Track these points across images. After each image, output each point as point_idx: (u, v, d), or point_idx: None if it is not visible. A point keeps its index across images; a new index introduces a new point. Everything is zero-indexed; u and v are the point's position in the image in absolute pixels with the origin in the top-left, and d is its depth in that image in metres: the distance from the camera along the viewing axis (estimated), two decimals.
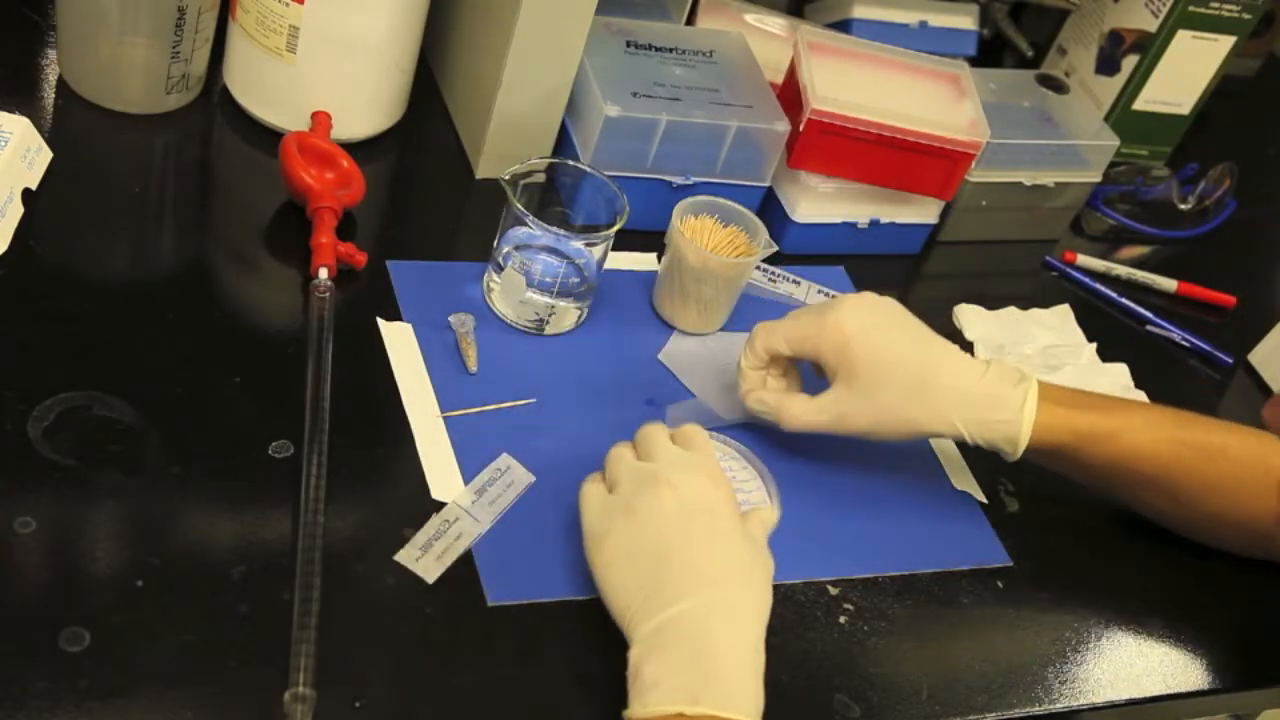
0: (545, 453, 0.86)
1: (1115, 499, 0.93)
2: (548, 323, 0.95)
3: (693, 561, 0.73)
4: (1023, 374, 0.87)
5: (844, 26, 1.23)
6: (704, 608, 0.72)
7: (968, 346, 1.09)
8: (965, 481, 0.96)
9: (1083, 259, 1.22)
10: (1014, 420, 0.85)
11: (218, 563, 0.74)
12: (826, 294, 1.06)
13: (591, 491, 0.79)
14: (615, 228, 0.92)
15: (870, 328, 0.85)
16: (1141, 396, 1.09)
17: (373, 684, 0.72)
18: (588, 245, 0.94)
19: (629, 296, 1.01)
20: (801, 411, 0.87)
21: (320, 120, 0.99)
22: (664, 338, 0.99)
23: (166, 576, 0.73)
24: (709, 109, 1.02)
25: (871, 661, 0.83)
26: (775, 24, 1.21)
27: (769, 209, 1.09)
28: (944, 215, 1.15)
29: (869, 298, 0.88)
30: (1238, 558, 0.95)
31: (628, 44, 1.06)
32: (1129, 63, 1.27)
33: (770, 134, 1.04)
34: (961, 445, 0.98)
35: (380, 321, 0.91)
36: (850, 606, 0.85)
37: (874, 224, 1.11)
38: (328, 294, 0.89)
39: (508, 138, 1.03)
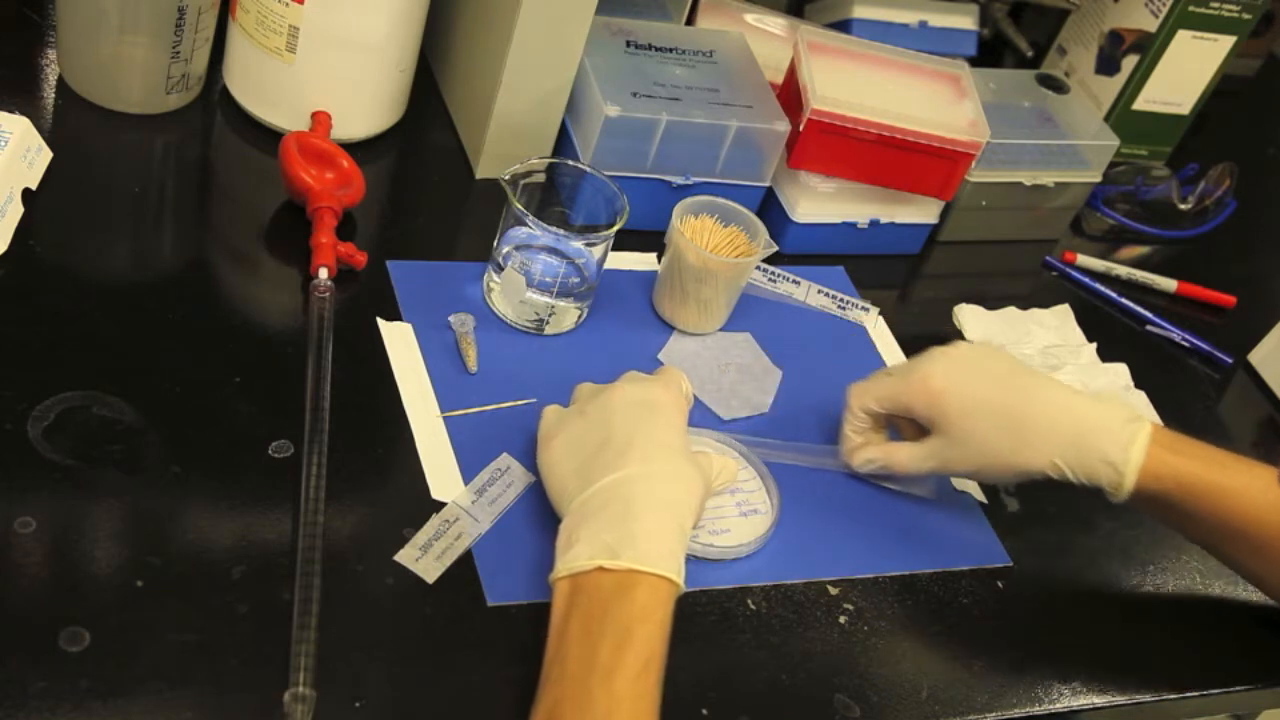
0: None
1: (1218, 558, 0.90)
2: (548, 323, 0.95)
3: (629, 442, 0.77)
4: (1136, 413, 0.84)
5: (844, 26, 1.23)
6: (635, 476, 0.75)
7: None
8: (965, 481, 0.96)
9: (1083, 259, 1.22)
10: (1120, 460, 0.82)
11: (218, 563, 0.74)
12: (827, 294, 1.06)
13: (550, 408, 0.84)
14: (615, 228, 0.92)
15: (957, 378, 0.85)
16: (1142, 396, 1.09)
17: (373, 684, 0.72)
18: (588, 245, 0.94)
19: (629, 296, 1.01)
20: (909, 459, 0.87)
21: (320, 120, 0.99)
22: (664, 338, 0.99)
23: (166, 576, 0.73)
24: (709, 109, 1.02)
25: (871, 661, 0.83)
26: (775, 24, 1.21)
27: (769, 209, 1.09)
28: (944, 215, 1.15)
29: (956, 348, 0.88)
30: None
31: (628, 44, 1.06)
32: (1129, 63, 1.27)
33: (770, 134, 1.04)
34: None
35: (380, 321, 0.91)
36: (850, 606, 0.85)
37: (874, 224, 1.11)
38: (328, 294, 0.89)
39: (508, 138, 1.03)
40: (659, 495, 0.75)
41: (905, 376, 0.87)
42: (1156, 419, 1.08)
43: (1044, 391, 0.85)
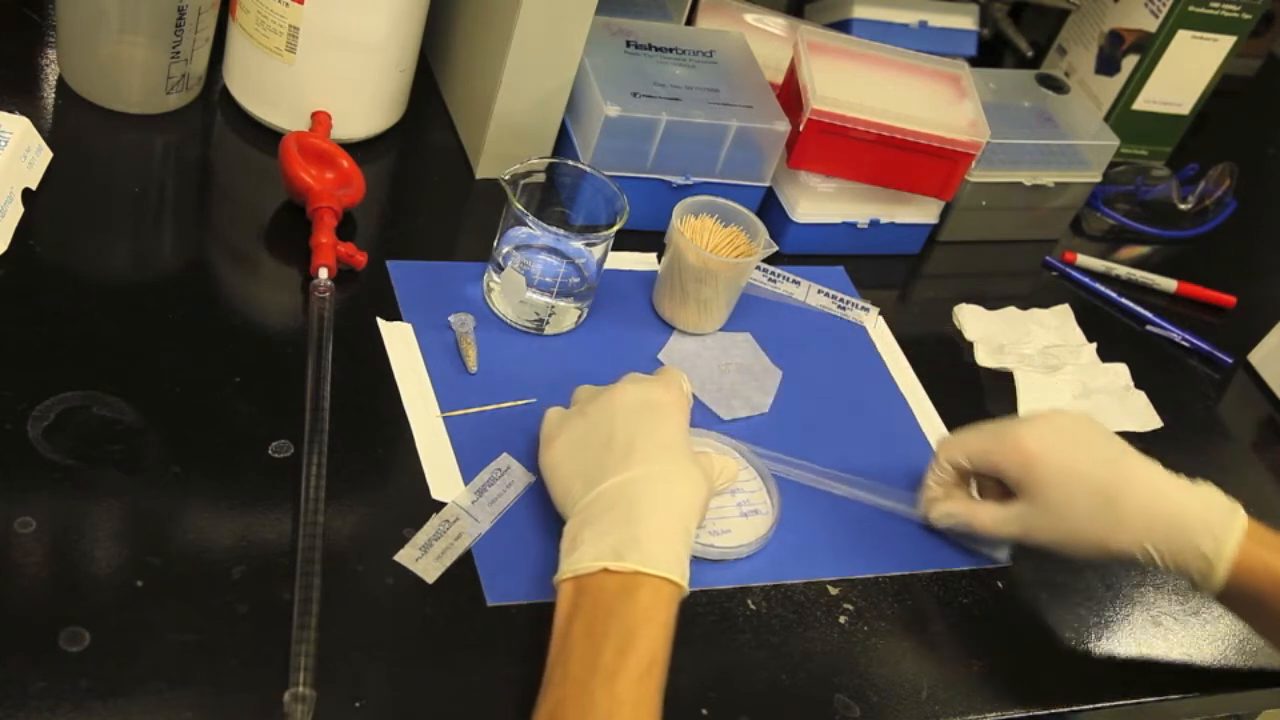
0: None
1: None
2: (548, 323, 0.95)
3: (632, 444, 0.77)
4: (1233, 505, 0.81)
5: (844, 26, 1.23)
6: (640, 478, 0.75)
7: (968, 347, 1.09)
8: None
9: (1083, 259, 1.22)
10: (1214, 552, 0.79)
11: (218, 563, 0.74)
12: (827, 294, 1.06)
13: (551, 410, 0.84)
14: (615, 228, 0.92)
15: (1053, 445, 0.83)
16: (1142, 396, 1.09)
17: (373, 684, 0.72)
18: (588, 245, 0.94)
19: (629, 296, 1.01)
20: (992, 521, 0.85)
21: (320, 120, 0.99)
22: (664, 338, 0.99)
23: (166, 576, 0.73)
24: (709, 109, 1.02)
25: (871, 661, 0.83)
26: (775, 24, 1.21)
27: (769, 209, 1.09)
28: (944, 215, 1.15)
29: (1054, 416, 0.85)
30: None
31: (628, 44, 1.06)
32: (1129, 63, 1.27)
33: (770, 134, 1.04)
34: None
35: (380, 321, 0.91)
36: (850, 606, 0.85)
37: (874, 224, 1.11)
38: (328, 294, 0.89)
39: (508, 138, 1.03)
40: (663, 497, 0.75)
41: (999, 435, 0.85)
42: (1156, 420, 1.08)
43: (1142, 473, 0.82)
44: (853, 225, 1.10)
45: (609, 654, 0.68)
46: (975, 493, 0.89)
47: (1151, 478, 0.82)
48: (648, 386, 0.81)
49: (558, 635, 0.71)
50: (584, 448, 0.79)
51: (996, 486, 0.87)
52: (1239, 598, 0.81)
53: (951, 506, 0.88)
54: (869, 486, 0.92)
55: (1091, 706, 0.85)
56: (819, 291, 1.06)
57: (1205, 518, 0.80)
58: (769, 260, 1.03)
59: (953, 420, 1.00)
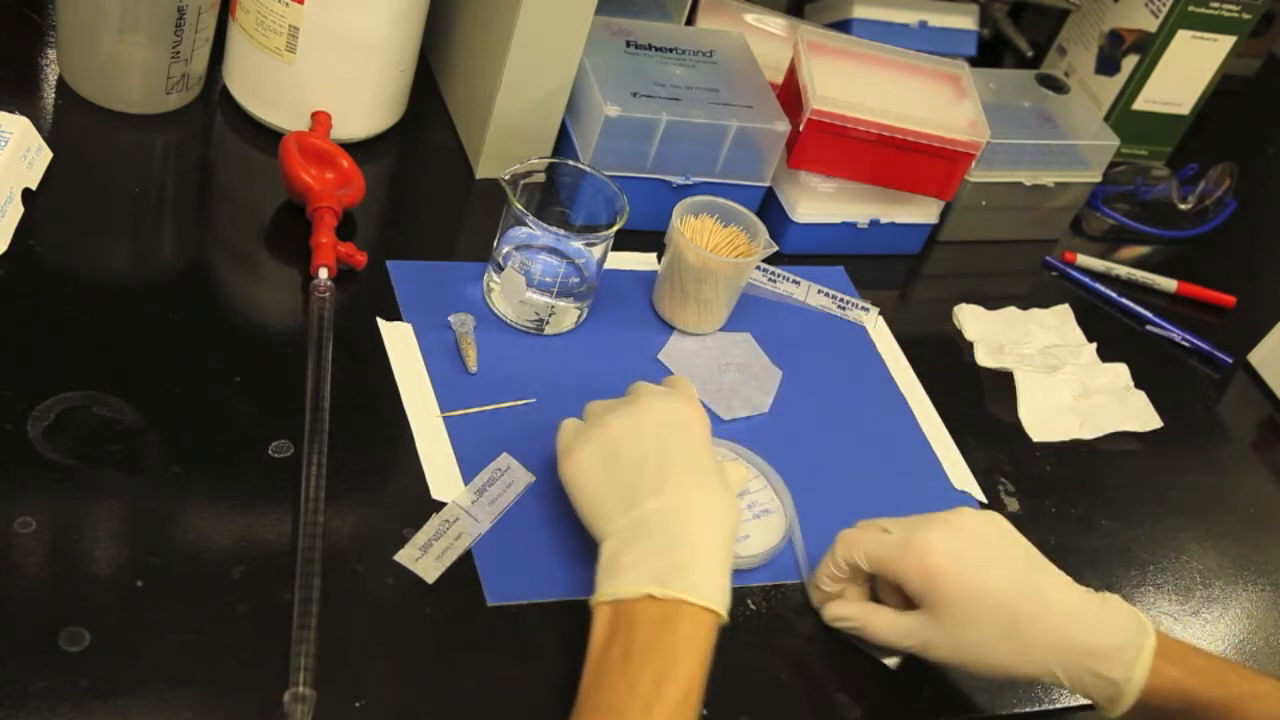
0: (545, 453, 0.86)
1: None
2: (548, 323, 0.95)
3: (670, 466, 0.76)
4: (1141, 623, 0.77)
5: (844, 26, 1.23)
6: (679, 506, 0.74)
7: (968, 347, 1.09)
8: (965, 481, 0.96)
9: (1083, 259, 1.22)
10: (1123, 679, 0.75)
11: (218, 563, 0.74)
12: (827, 294, 1.06)
13: (567, 421, 0.83)
14: (615, 228, 0.92)
15: (960, 562, 0.77)
16: (1141, 396, 1.09)
17: (373, 684, 0.72)
18: (588, 245, 0.94)
19: (629, 296, 1.01)
20: (890, 632, 0.79)
21: (320, 120, 0.99)
22: (664, 338, 0.99)
23: (166, 576, 0.73)
24: (709, 109, 1.02)
25: (872, 661, 0.83)
26: (775, 24, 1.21)
27: (769, 209, 1.09)
28: (944, 215, 1.15)
29: (962, 519, 0.80)
30: (1237, 559, 0.95)
31: (628, 44, 1.06)
32: (1129, 63, 1.27)
33: (770, 134, 1.04)
34: (961, 445, 0.99)
35: (380, 321, 0.91)
36: None
37: (874, 224, 1.11)
38: (328, 294, 0.89)
39: (508, 138, 1.03)
40: (704, 523, 0.74)
41: (905, 543, 0.78)
42: (1156, 420, 1.08)
43: (1049, 588, 0.78)
44: (853, 225, 1.10)
45: (646, 683, 0.67)
46: (877, 592, 0.83)
47: (1061, 600, 0.77)
48: (670, 402, 0.80)
49: (593, 658, 0.70)
50: (614, 465, 0.77)
51: (894, 591, 0.81)
52: (1146, 713, 0.77)
53: (846, 610, 0.82)
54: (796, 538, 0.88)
55: (1092, 706, 0.85)
56: (819, 291, 1.06)
57: (1115, 642, 0.76)
58: (769, 260, 1.03)
59: (953, 420, 1.00)
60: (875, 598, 0.83)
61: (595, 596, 0.72)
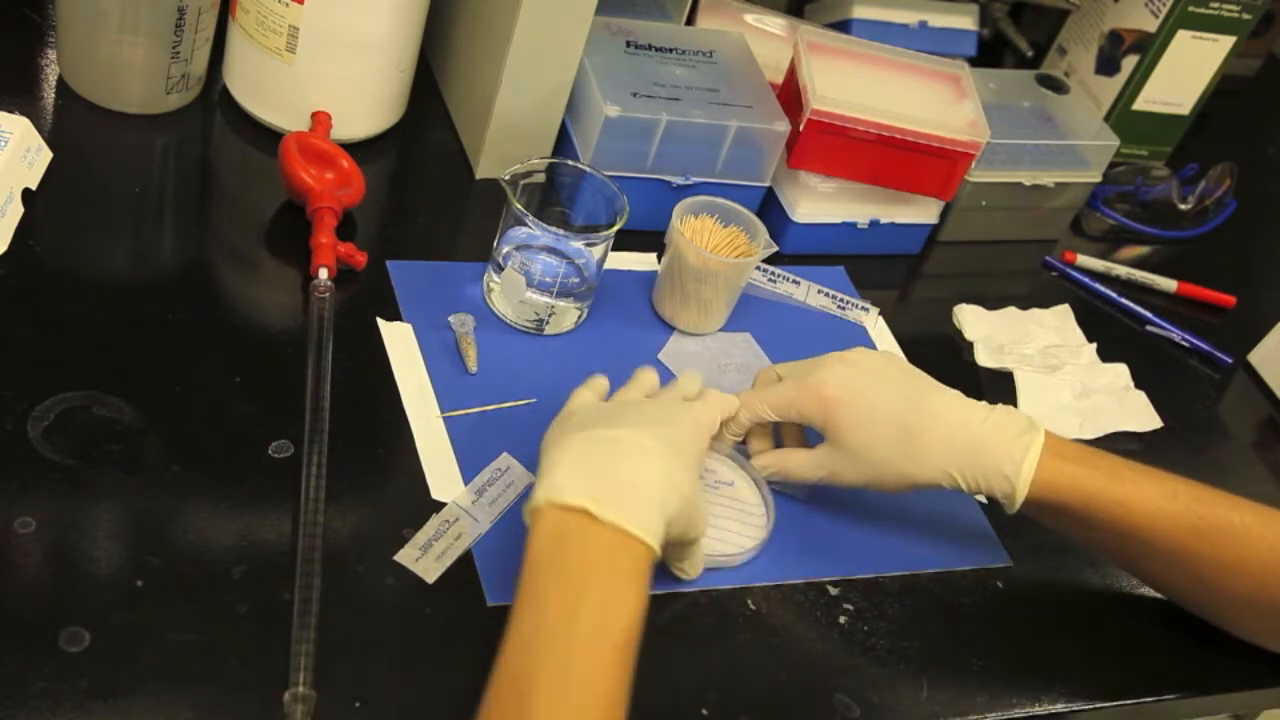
0: None
1: (1119, 566, 0.90)
2: (548, 323, 0.95)
3: (640, 413, 0.78)
4: (1031, 423, 0.82)
5: (844, 26, 1.23)
6: (629, 439, 0.74)
7: (968, 346, 1.09)
8: None
9: (1083, 259, 1.22)
10: (1013, 472, 0.81)
11: (218, 563, 0.74)
12: (827, 294, 1.06)
13: (583, 393, 0.83)
14: (615, 228, 0.92)
15: (851, 388, 0.83)
16: (1141, 396, 1.09)
17: (373, 684, 0.72)
18: (588, 245, 0.94)
19: (629, 296, 1.01)
20: (798, 466, 0.86)
21: (320, 120, 0.99)
22: (664, 338, 0.99)
23: (166, 576, 0.73)
24: (709, 109, 1.02)
25: (871, 661, 0.83)
26: (775, 24, 1.21)
27: (769, 209, 1.09)
28: (944, 215, 1.15)
29: (853, 357, 0.85)
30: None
31: (628, 44, 1.06)
32: (1129, 63, 1.27)
33: (770, 134, 1.04)
34: None
35: (380, 321, 0.91)
36: (850, 606, 0.85)
37: (874, 224, 1.11)
38: (328, 294, 0.89)
39: (508, 138, 1.03)
40: (651, 466, 0.73)
41: (799, 384, 0.85)
42: (1156, 420, 1.08)
43: (937, 402, 0.83)
44: (853, 225, 1.10)
45: (588, 615, 0.67)
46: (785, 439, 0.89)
47: (950, 408, 0.83)
48: (690, 405, 0.81)
49: (531, 574, 0.69)
50: (590, 419, 0.78)
51: (795, 432, 0.88)
52: (1048, 511, 0.83)
53: (765, 459, 0.87)
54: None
55: (1092, 706, 0.85)
56: (819, 291, 1.06)
57: (1003, 440, 0.81)
58: (769, 260, 1.03)
59: None
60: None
61: (532, 501, 0.71)
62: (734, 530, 0.86)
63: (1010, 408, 0.84)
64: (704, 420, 0.81)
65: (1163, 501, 0.81)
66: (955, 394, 0.85)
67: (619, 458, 0.73)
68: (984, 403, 0.84)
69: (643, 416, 0.77)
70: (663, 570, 0.80)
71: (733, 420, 0.86)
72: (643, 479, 0.73)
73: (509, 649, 0.66)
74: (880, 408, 0.83)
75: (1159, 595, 0.94)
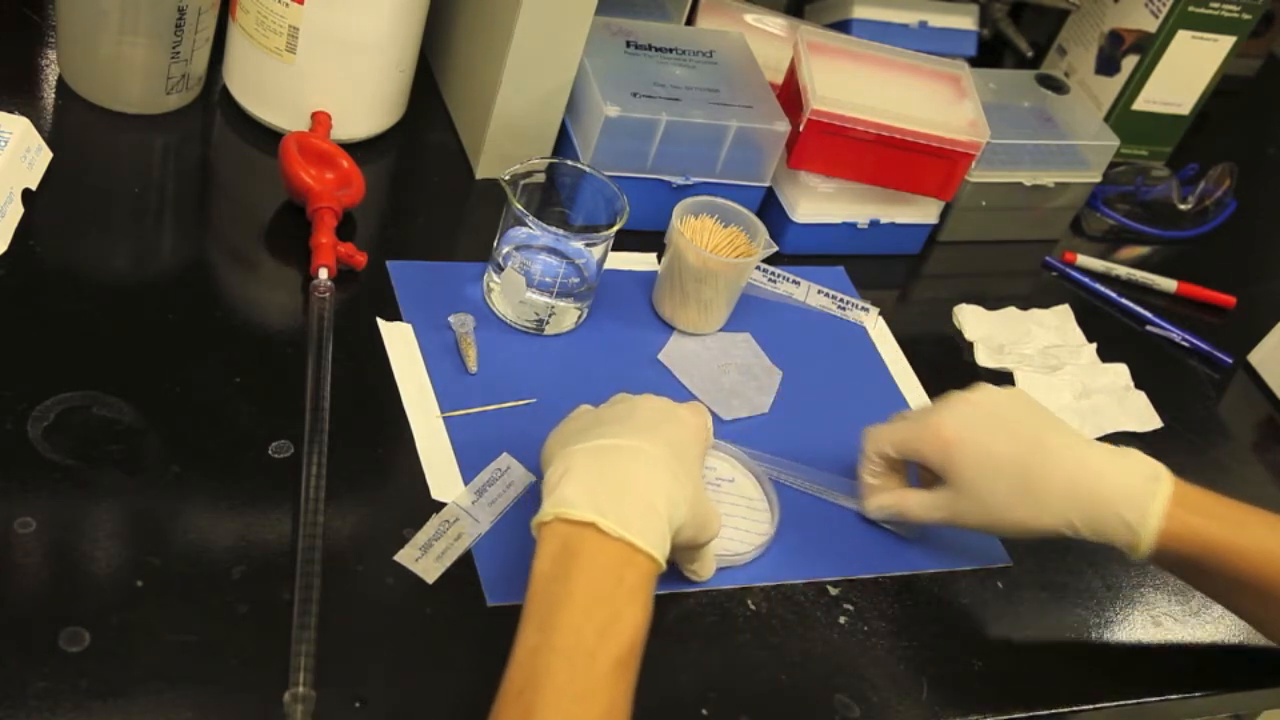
0: None
1: (1226, 608, 0.88)
2: (548, 323, 0.95)
3: (640, 421, 0.77)
4: (1157, 471, 0.80)
5: (844, 26, 1.23)
6: (635, 449, 0.74)
7: (968, 347, 1.09)
8: None
9: (1083, 259, 1.22)
10: (1138, 524, 0.78)
11: (218, 563, 0.74)
12: (827, 294, 1.06)
13: (583, 405, 0.83)
14: (615, 228, 0.92)
15: (971, 430, 0.82)
16: (1141, 396, 1.09)
17: (373, 684, 0.72)
18: (588, 245, 0.94)
19: (629, 296, 1.01)
20: (921, 508, 0.85)
21: (320, 120, 0.99)
22: (664, 338, 0.99)
23: (166, 576, 0.73)
24: (709, 109, 1.02)
25: (871, 661, 0.83)
26: (775, 24, 1.21)
27: (769, 209, 1.09)
28: (944, 215, 1.15)
29: (975, 396, 0.84)
30: None
31: (628, 44, 1.06)
32: (1129, 63, 1.27)
33: (770, 134, 1.04)
34: None
35: (380, 321, 0.91)
36: (850, 606, 0.85)
37: (874, 224, 1.11)
38: (328, 294, 0.89)
39: (508, 138, 1.03)
40: (658, 476, 0.73)
41: (920, 423, 0.84)
42: (1156, 420, 1.08)
43: (1061, 447, 0.81)
44: (853, 225, 1.10)
45: (592, 630, 0.67)
46: (913, 479, 0.89)
47: (1072, 452, 0.81)
48: (679, 406, 0.81)
49: (539, 587, 0.69)
50: (595, 420, 0.78)
51: (927, 471, 0.86)
52: (1168, 561, 0.82)
53: (884, 498, 0.87)
54: (826, 481, 0.91)
55: (1092, 706, 0.86)
56: (819, 292, 1.06)
57: (1128, 488, 0.79)
58: (769, 260, 1.03)
59: None
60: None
61: (540, 515, 0.71)
62: (741, 528, 0.86)
63: (1136, 452, 0.81)
64: (701, 421, 0.81)
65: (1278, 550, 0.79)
66: (1078, 436, 0.83)
67: (624, 468, 0.73)
68: (1108, 445, 0.82)
69: (642, 421, 0.77)
70: (665, 570, 0.80)
71: (863, 458, 0.87)
72: (648, 489, 0.73)
73: (516, 660, 0.67)
74: (1000, 452, 0.81)
75: (1158, 596, 0.94)
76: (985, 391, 0.85)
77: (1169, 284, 1.23)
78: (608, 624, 0.67)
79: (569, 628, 0.67)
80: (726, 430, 0.93)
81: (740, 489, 0.89)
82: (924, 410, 0.86)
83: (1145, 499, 0.79)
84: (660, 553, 0.71)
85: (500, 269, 0.94)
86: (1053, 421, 0.83)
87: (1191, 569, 0.82)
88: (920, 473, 0.88)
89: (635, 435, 0.75)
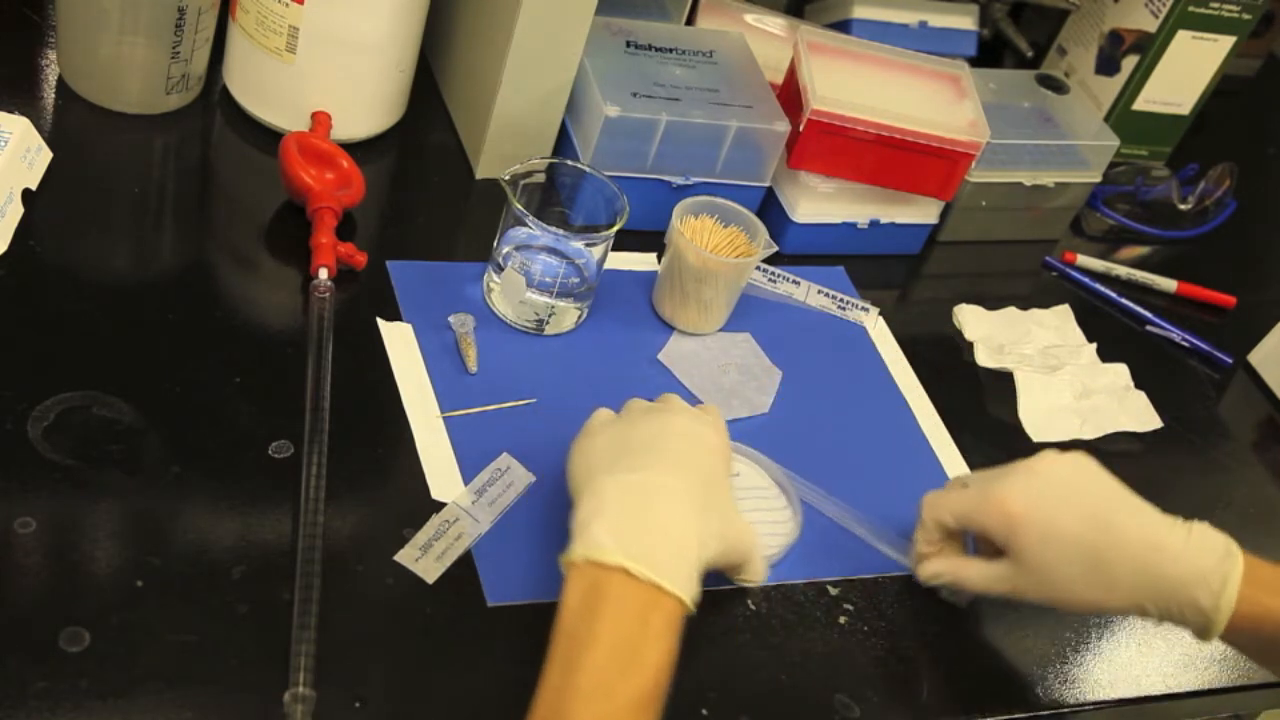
0: (545, 453, 0.86)
1: None
2: (548, 323, 0.95)
3: (668, 450, 0.76)
4: (1228, 548, 0.77)
5: (844, 26, 1.23)
6: (665, 486, 0.73)
7: (968, 346, 1.09)
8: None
9: (1083, 259, 1.22)
10: (1210, 607, 0.76)
11: (218, 563, 0.74)
12: (827, 294, 1.06)
13: (603, 409, 0.82)
14: (615, 228, 0.92)
15: (1037, 506, 0.79)
16: (1141, 396, 1.09)
17: (373, 684, 0.72)
18: (588, 245, 0.94)
19: (629, 296, 1.01)
20: (982, 580, 0.82)
21: (320, 120, 0.99)
22: (664, 338, 0.99)
23: (166, 576, 0.73)
24: (709, 109, 1.02)
25: (871, 661, 0.83)
26: (775, 24, 1.21)
27: (769, 209, 1.08)
28: (944, 215, 1.15)
29: (1042, 463, 0.81)
30: None
31: (628, 44, 1.06)
32: (1129, 63, 1.27)
33: (770, 134, 1.04)
34: (961, 446, 0.99)
35: (380, 321, 0.91)
36: (850, 606, 0.85)
37: (874, 224, 1.11)
38: (328, 294, 0.89)
39: (508, 138, 1.03)
40: (690, 515, 0.73)
41: (983, 493, 0.81)
42: (1156, 420, 1.08)
43: (1129, 524, 0.78)
44: (853, 225, 1.10)
45: (615, 671, 0.67)
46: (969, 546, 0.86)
47: (1142, 532, 0.78)
48: (702, 425, 0.80)
49: (565, 626, 0.69)
50: (618, 445, 0.77)
51: (987, 542, 0.83)
52: (1242, 641, 0.79)
53: (940, 566, 0.84)
54: (875, 530, 0.90)
55: (1092, 706, 0.86)
56: (819, 292, 1.06)
57: (1200, 570, 0.76)
58: (769, 260, 1.03)
59: (953, 420, 1.00)
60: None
61: (568, 554, 0.71)
62: (764, 532, 0.86)
63: (1206, 528, 0.78)
64: (725, 439, 0.80)
65: None
66: (1149, 511, 0.79)
67: (656, 509, 0.73)
68: (1180, 520, 0.79)
69: (672, 451, 0.76)
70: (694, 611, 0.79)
71: (921, 524, 0.85)
72: (681, 531, 0.72)
73: (540, 698, 0.67)
74: (1067, 529, 0.78)
75: None
76: (1050, 461, 0.81)
77: (1169, 284, 1.23)
78: (630, 665, 0.67)
79: (592, 668, 0.67)
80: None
81: (748, 481, 0.89)
82: (986, 479, 0.82)
83: (1218, 581, 0.76)
84: (688, 594, 0.71)
85: (500, 269, 0.94)
86: (1121, 494, 0.80)
87: (1266, 648, 0.79)
88: (979, 542, 0.85)
89: (667, 469, 0.74)
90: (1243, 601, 0.76)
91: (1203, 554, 0.77)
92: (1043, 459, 0.81)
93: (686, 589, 0.71)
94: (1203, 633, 0.77)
